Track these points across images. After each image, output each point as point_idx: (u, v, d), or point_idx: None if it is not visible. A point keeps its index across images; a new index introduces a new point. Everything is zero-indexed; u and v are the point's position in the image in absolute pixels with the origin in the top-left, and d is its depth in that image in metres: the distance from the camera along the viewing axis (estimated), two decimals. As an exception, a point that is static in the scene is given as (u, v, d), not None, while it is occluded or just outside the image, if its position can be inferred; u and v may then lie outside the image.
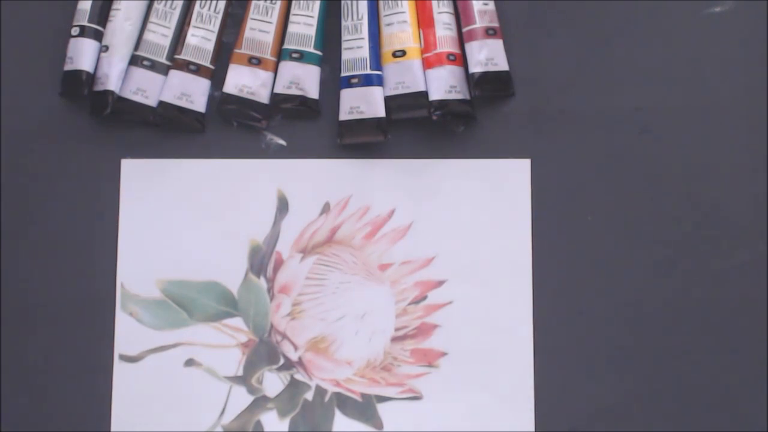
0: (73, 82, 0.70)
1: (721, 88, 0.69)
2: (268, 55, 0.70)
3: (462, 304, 0.69)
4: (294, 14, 0.70)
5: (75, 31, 0.70)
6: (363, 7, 0.70)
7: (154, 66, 0.70)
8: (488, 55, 0.69)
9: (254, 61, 0.70)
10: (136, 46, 0.71)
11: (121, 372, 0.69)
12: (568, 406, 0.67)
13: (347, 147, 0.70)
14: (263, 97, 0.70)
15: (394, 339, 0.69)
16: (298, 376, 0.69)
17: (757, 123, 0.69)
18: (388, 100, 0.69)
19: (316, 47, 0.70)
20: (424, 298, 0.69)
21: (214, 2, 0.71)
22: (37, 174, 0.71)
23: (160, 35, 0.71)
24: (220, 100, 0.71)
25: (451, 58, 0.69)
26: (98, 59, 0.70)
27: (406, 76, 0.69)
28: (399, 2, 0.69)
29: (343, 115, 0.69)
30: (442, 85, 0.68)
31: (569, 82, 0.70)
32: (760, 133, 0.69)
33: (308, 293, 0.69)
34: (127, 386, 0.69)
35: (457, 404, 0.68)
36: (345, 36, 0.70)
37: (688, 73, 0.69)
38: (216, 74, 0.71)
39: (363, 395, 0.68)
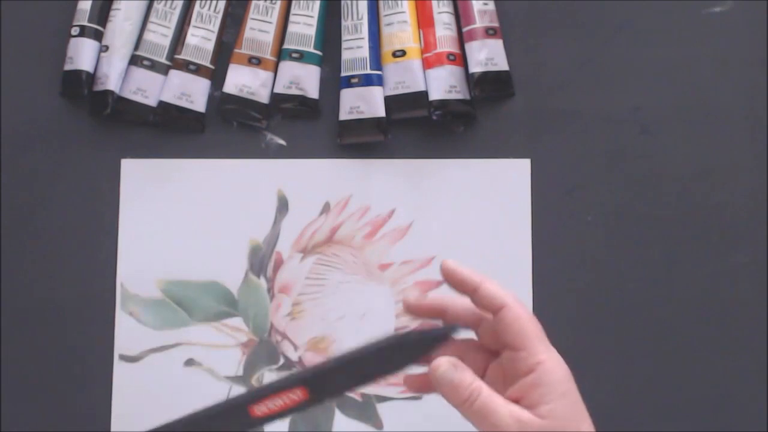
0: (73, 82, 0.70)
1: (721, 88, 0.69)
2: (268, 55, 0.70)
3: (462, 304, 0.68)
4: (294, 14, 0.70)
5: (75, 31, 0.70)
6: (363, 7, 0.70)
7: (154, 66, 0.70)
8: (488, 55, 0.69)
9: (254, 61, 0.70)
10: (136, 46, 0.71)
11: (121, 372, 0.69)
12: (568, 406, 0.67)
13: (347, 147, 0.70)
14: (263, 97, 0.70)
15: (394, 339, 0.68)
16: (298, 376, 0.69)
17: (757, 123, 0.69)
18: (388, 100, 0.69)
19: (316, 47, 0.70)
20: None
21: (214, 2, 0.71)
22: (37, 174, 0.71)
23: (160, 35, 0.71)
24: (220, 100, 0.71)
25: (451, 58, 0.69)
26: (98, 59, 0.70)
27: (406, 76, 0.69)
28: (399, 2, 0.69)
29: (343, 115, 0.69)
30: (442, 84, 0.68)
31: (569, 82, 0.70)
32: (760, 133, 0.69)
33: (308, 293, 0.69)
34: (127, 386, 0.69)
35: (457, 404, 0.67)
36: (345, 36, 0.70)
37: (688, 73, 0.69)
38: (216, 74, 0.71)
39: (363, 395, 0.68)
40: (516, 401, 0.46)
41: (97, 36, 0.70)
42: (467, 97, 0.69)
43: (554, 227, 0.68)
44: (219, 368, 0.69)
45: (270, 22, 0.70)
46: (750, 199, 0.68)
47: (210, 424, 0.46)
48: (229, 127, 0.71)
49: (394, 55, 0.69)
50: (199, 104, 0.71)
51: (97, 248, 0.70)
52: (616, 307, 0.68)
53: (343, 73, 0.69)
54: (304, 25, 0.70)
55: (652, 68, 0.69)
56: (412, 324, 0.68)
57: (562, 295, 0.68)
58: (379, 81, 0.69)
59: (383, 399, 0.68)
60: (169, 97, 0.70)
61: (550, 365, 0.47)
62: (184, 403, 0.68)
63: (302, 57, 0.70)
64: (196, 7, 0.71)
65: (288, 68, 0.70)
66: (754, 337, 0.67)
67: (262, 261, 0.69)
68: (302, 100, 0.70)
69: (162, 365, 0.69)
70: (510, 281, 0.68)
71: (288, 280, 0.69)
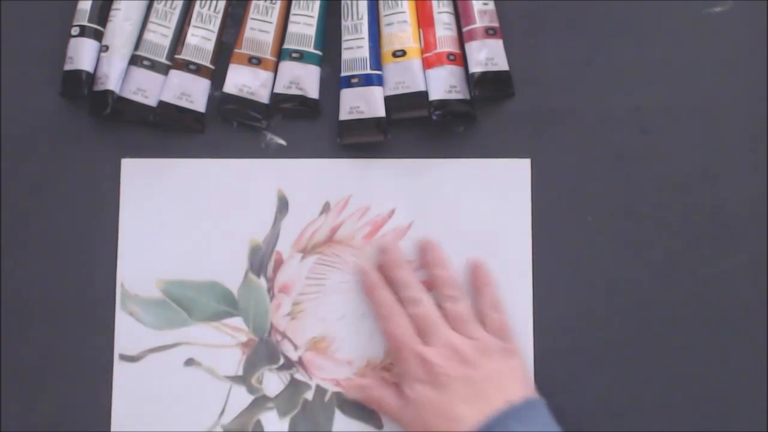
0: (73, 82, 0.70)
1: (721, 88, 0.69)
2: (268, 55, 0.70)
3: (462, 304, 0.68)
4: (294, 14, 0.70)
5: (75, 31, 0.70)
6: (363, 7, 0.70)
7: (154, 66, 0.70)
8: (488, 55, 0.69)
9: (254, 61, 0.70)
10: (136, 46, 0.71)
11: (121, 372, 0.69)
12: (568, 406, 0.67)
13: (347, 147, 0.70)
14: (263, 97, 0.70)
15: (394, 339, 0.68)
16: (298, 376, 0.69)
17: (757, 123, 0.69)
18: (388, 100, 0.69)
19: (316, 47, 0.70)
20: (424, 298, 0.68)
21: (214, 2, 0.71)
22: (37, 174, 0.71)
23: (160, 35, 0.71)
24: (220, 100, 0.71)
25: (451, 58, 0.69)
26: (98, 59, 0.70)
27: (406, 76, 0.69)
28: (399, 2, 0.69)
29: (343, 115, 0.69)
30: (442, 84, 0.68)
31: (569, 82, 0.70)
32: (760, 133, 0.69)
33: (308, 293, 0.69)
34: (127, 386, 0.69)
35: (457, 404, 0.67)
36: (345, 36, 0.70)
37: (688, 73, 0.69)
38: (216, 74, 0.71)
39: (363, 395, 0.68)
40: None
41: (97, 36, 0.70)
42: (467, 97, 0.69)
43: (554, 227, 0.68)
44: (219, 368, 0.69)
45: (270, 22, 0.70)
46: (750, 199, 0.68)
47: None
48: (229, 127, 0.71)
49: (394, 55, 0.69)
50: (199, 104, 0.71)
51: (97, 248, 0.70)
52: (616, 307, 0.68)
53: (343, 73, 0.69)
54: (304, 25, 0.70)
55: (652, 68, 0.70)
56: (412, 324, 0.68)
57: (562, 295, 0.68)
58: (379, 81, 0.69)
59: (383, 399, 0.68)
60: (169, 97, 0.70)
61: None
62: (184, 403, 0.69)
63: (302, 57, 0.70)
64: (196, 7, 0.71)
65: (288, 68, 0.70)
66: (754, 337, 0.67)
67: (262, 261, 0.69)
68: (302, 100, 0.70)
69: (162, 365, 0.69)
70: (510, 281, 0.68)
71: (288, 280, 0.69)
